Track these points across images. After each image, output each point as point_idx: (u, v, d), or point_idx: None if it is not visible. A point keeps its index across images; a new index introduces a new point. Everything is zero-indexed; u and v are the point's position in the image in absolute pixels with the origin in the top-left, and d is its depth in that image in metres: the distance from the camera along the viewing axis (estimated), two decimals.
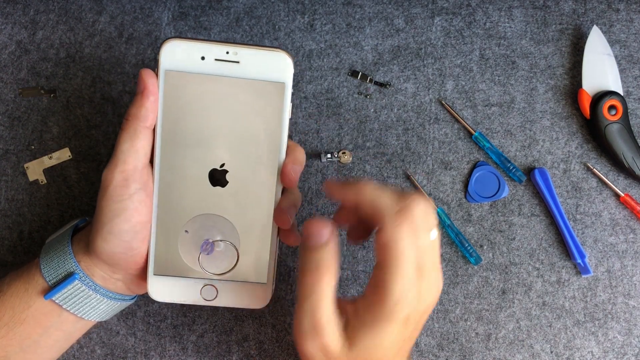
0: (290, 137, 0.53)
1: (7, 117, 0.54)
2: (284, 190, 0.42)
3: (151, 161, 0.41)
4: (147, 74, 0.39)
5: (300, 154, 0.42)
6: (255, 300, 0.43)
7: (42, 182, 0.53)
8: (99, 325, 0.52)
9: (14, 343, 0.43)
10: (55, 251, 0.43)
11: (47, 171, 0.53)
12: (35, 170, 0.53)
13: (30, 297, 0.43)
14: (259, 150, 0.41)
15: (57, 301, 0.42)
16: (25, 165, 0.53)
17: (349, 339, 0.36)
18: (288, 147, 0.41)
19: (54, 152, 0.53)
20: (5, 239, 0.53)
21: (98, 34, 0.55)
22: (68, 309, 0.43)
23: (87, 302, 0.43)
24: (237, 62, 0.39)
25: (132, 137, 0.39)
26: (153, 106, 0.39)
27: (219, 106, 0.40)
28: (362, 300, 0.37)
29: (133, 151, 0.39)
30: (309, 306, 0.36)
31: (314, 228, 0.37)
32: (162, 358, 0.52)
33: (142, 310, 0.52)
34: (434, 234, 0.36)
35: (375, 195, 0.36)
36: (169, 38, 0.39)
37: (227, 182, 0.41)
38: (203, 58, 0.39)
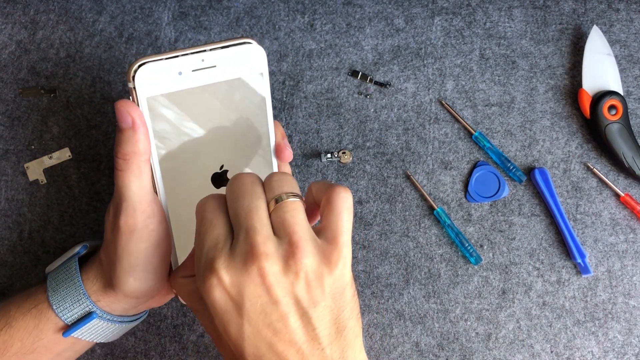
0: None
1: (7, 117, 0.54)
2: (278, 167, 0.43)
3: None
4: (129, 107, 0.36)
5: (281, 127, 0.44)
6: None
7: (42, 182, 0.53)
8: None
9: None
10: (65, 289, 0.42)
11: (47, 171, 0.53)
12: (35, 170, 0.53)
13: (42, 332, 0.42)
14: (251, 141, 0.41)
15: (75, 336, 0.42)
16: (25, 165, 0.53)
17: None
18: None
19: (54, 152, 0.53)
20: (5, 239, 0.53)
21: (98, 34, 0.55)
22: (85, 339, 0.43)
23: (106, 331, 0.43)
24: (214, 66, 0.39)
25: (138, 175, 0.37)
26: (146, 138, 0.37)
27: (206, 113, 0.40)
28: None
29: (143, 189, 0.38)
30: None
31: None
32: (162, 358, 0.52)
33: None
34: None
35: (317, 186, 0.37)
36: (139, 63, 0.37)
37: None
38: (180, 73, 0.38)
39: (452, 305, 0.52)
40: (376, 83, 0.54)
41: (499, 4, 0.55)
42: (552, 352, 0.52)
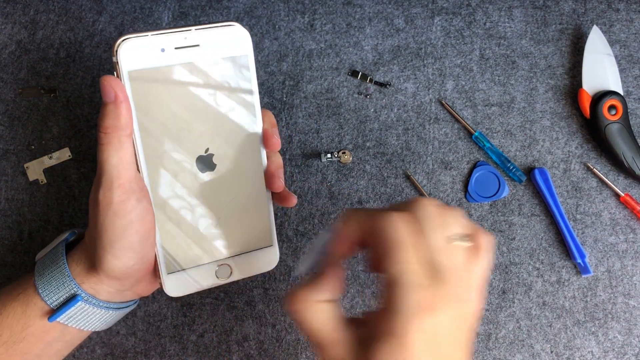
0: (267, 103, 0.53)
1: (7, 117, 0.54)
2: (268, 157, 0.43)
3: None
4: (112, 81, 0.37)
5: (272, 116, 0.43)
6: (267, 263, 0.44)
7: (42, 182, 0.53)
8: None
9: (14, 358, 0.42)
10: (51, 272, 0.42)
11: (47, 171, 0.53)
12: (35, 170, 0.53)
13: (29, 318, 0.42)
14: (237, 126, 0.41)
15: (61, 321, 0.42)
16: (25, 165, 0.53)
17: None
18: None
19: (54, 152, 0.53)
20: (5, 239, 0.53)
21: (98, 34, 0.55)
22: (72, 325, 0.43)
23: (92, 317, 0.43)
24: (197, 45, 0.39)
25: (118, 149, 0.38)
26: (128, 112, 0.38)
27: (189, 93, 0.40)
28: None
29: (123, 163, 0.38)
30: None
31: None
32: (162, 358, 0.52)
33: (142, 310, 0.52)
34: (456, 234, 0.31)
35: (370, 219, 0.33)
36: (123, 38, 0.38)
37: (215, 165, 0.41)
38: (163, 50, 0.39)
39: None
40: (376, 83, 0.54)
41: (499, 4, 0.55)
42: (552, 352, 0.52)
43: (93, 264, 0.41)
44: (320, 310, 0.32)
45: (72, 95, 0.54)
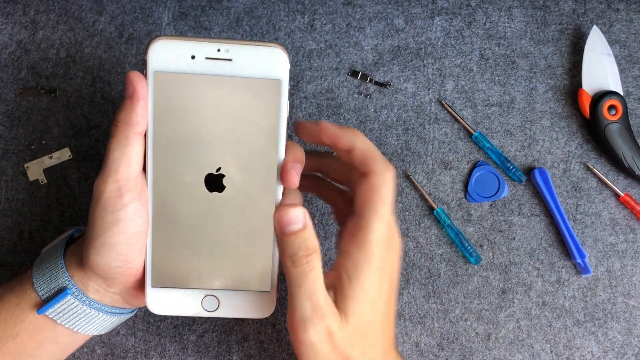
0: (289, 137, 0.53)
1: (7, 117, 0.54)
2: (284, 192, 0.40)
3: (144, 168, 0.39)
4: (135, 77, 0.37)
5: (300, 152, 0.40)
6: (258, 309, 0.42)
7: (42, 182, 0.53)
8: None
9: (7, 358, 0.41)
10: (47, 264, 0.42)
11: (47, 171, 0.53)
12: (35, 170, 0.53)
13: (23, 311, 0.41)
14: (256, 151, 0.39)
15: (50, 316, 0.41)
16: (26, 165, 0.53)
17: (341, 313, 0.37)
18: (287, 147, 0.40)
19: (54, 152, 0.53)
20: (5, 239, 0.53)
21: (98, 34, 0.55)
22: (62, 323, 0.41)
23: (82, 317, 0.42)
24: (230, 59, 0.38)
25: (124, 145, 0.37)
26: (143, 111, 0.37)
27: (212, 107, 0.38)
28: (341, 259, 0.38)
29: (125, 159, 0.37)
30: (306, 291, 0.36)
31: (288, 215, 0.37)
32: (162, 358, 0.52)
33: (142, 310, 0.52)
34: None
35: (368, 144, 0.40)
36: (156, 37, 0.38)
37: (225, 186, 0.39)
38: (193, 57, 0.37)
39: (452, 305, 0.52)
40: (376, 83, 0.55)
41: (499, 4, 0.55)
42: (551, 352, 0.52)
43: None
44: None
45: (72, 95, 0.54)
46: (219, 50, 0.38)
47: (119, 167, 0.37)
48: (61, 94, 0.54)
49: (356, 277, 0.37)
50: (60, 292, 0.41)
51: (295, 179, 0.39)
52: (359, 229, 0.38)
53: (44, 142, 0.54)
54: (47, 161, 0.53)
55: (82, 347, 0.52)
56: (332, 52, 0.55)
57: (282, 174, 0.39)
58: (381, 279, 0.38)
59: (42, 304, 0.41)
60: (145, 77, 0.38)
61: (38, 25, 0.55)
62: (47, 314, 0.41)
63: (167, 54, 0.37)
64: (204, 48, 0.38)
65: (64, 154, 0.53)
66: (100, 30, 0.55)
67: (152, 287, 0.40)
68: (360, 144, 0.39)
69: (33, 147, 0.53)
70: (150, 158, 0.39)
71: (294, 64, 0.55)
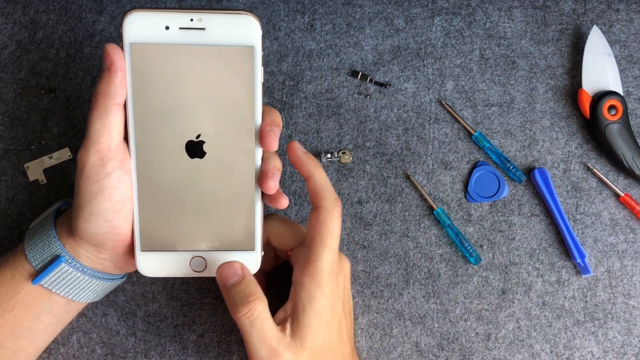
0: (267, 103, 0.53)
1: (7, 117, 0.54)
2: (264, 156, 0.42)
3: (125, 138, 0.40)
4: (112, 49, 0.38)
5: (277, 116, 0.42)
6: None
7: (42, 182, 0.53)
8: (99, 325, 0.52)
9: (5, 330, 0.42)
10: (39, 235, 0.43)
11: (47, 171, 0.53)
12: (35, 170, 0.53)
13: (18, 283, 0.42)
14: (234, 117, 0.40)
15: (45, 285, 0.42)
16: (26, 165, 0.53)
17: (298, 340, 0.41)
18: (263, 111, 0.41)
19: (54, 152, 0.53)
20: (5, 239, 0.53)
21: (98, 34, 0.55)
22: (57, 292, 0.43)
23: (76, 284, 0.43)
24: (203, 28, 0.39)
25: (103, 116, 0.38)
26: (122, 82, 0.38)
27: (189, 76, 0.39)
28: (295, 289, 0.42)
29: (105, 130, 0.38)
30: (257, 336, 0.40)
31: (226, 271, 0.41)
32: (162, 358, 0.52)
33: (142, 310, 0.52)
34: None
35: (324, 178, 0.42)
36: (131, 9, 0.39)
37: (205, 152, 0.41)
38: (167, 27, 0.39)
39: (452, 305, 0.52)
40: (376, 83, 0.55)
41: (499, 4, 0.55)
42: (551, 352, 0.52)
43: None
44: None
45: (72, 95, 0.54)
46: (192, 20, 0.39)
47: (100, 137, 0.38)
48: (61, 94, 0.54)
49: (310, 305, 0.41)
50: (53, 260, 0.42)
51: (273, 141, 0.41)
52: (309, 261, 0.41)
53: (43, 142, 0.54)
54: (47, 161, 0.53)
55: (82, 347, 0.52)
56: (332, 52, 0.55)
57: (260, 137, 0.41)
58: (333, 301, 0.42)
59: (37, 274, 0.42)
60: (122, 49, 0.39)
61: (38, 25, 0.55)
62: (42, 283, 0.42)
63: (141, 26, 0.39)
64: (178, 18, 0.39)
65: (64, 154, 0.53)
66: (100, 30, 0.55)
67: (142, 251, 0.42)
68: (317, 176, 0.42)
69: (33, 147, 0.53)
70: (132, 127, 0.40)
71: (294, 64, 0.55)
